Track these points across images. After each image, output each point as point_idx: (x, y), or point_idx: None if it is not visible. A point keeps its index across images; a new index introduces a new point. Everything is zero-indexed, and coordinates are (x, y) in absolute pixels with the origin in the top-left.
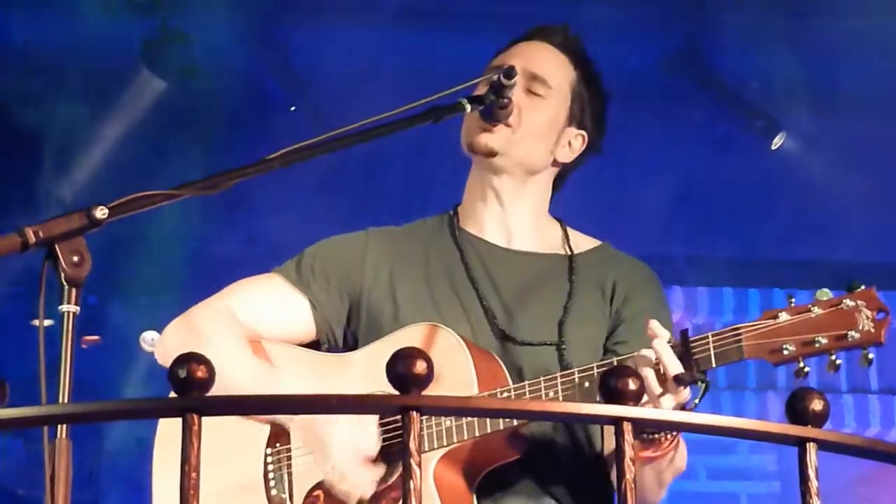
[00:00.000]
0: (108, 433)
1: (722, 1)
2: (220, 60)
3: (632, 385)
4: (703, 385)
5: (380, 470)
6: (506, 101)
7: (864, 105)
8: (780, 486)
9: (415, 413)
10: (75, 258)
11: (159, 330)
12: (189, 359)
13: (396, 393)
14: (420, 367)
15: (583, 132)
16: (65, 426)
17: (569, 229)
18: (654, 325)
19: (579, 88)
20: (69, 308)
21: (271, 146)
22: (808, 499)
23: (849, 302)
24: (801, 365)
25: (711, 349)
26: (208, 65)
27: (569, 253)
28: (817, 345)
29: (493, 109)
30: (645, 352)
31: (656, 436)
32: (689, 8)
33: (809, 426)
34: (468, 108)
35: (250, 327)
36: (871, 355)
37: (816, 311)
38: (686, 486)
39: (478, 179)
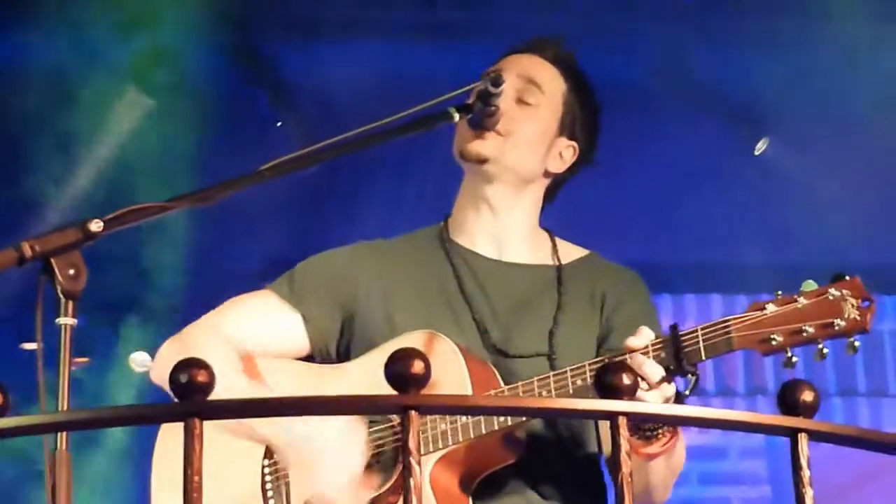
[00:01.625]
0: None
1: (703, 8)
2: (208, 77)
3: (626, 380)
4: (693, 378)
5: (371, 483)
6: (493, 108)
7: (847, 109)
8: (770, 490)
9: (413, 412)
10: (71, 271)
11: (149, 351)
12: (190, 364)
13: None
14: (417, 366)
15: (574, 143)
16: (65, 438)
17: (557, 240)
18: (632, 341)
19: (570, 100)
20: (67, 321)
21: (260, 161)
22: (801, 488)
23: (834, 291)
24: (790, 355)
25: (701, 342)
26: (196, 82)
27: (557, 264)
28: (804, 334)
29: (481, 117)
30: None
31: (658, 432)
32: (670, 16)
33: (801, 417)
34: (456, 116)
35: (243, 344)
36: (857, 343)
37: (802, 301)
38: (678, 491)
39: (470, 189)
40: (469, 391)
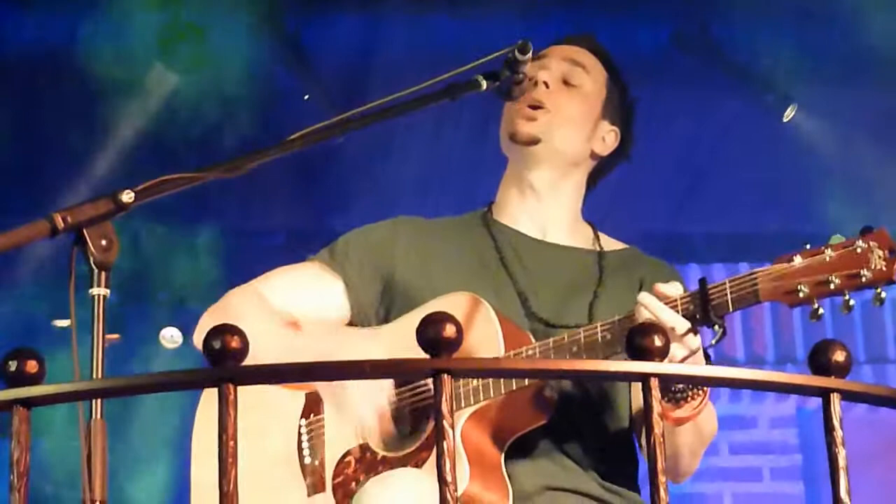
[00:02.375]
0: None
1: None
2: (233, 52)
3: (658, 342)
4: (720, 330)
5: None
6: (521, 76)
7: (874, 74)
8: (801, 458)
9: (446, 375)
10: (104, 242)
11: (179, 327)
12: (223, 330)
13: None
14: (450, 330)
15: (615, 128)
16: (100, 407)
17: (599, 232)
18: (662, 287)
19: (611, 87)
20: (100, 291)
21: (288, 133)
22: (834, 448)
23: (861, 243)
24: (816, 306)
25: (728, 294)
26: (221, 57)
27: (598, 250)
28: (831, 285)
29: (509, 86)
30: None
31: (688, 393)
32: None
33: (832, 377)
34: (484, 84)
35: (285, 310)
36: (883, 294)
37: (829, 253)
38: (708, 461)
39: (514, 174)
40: (501, 353)
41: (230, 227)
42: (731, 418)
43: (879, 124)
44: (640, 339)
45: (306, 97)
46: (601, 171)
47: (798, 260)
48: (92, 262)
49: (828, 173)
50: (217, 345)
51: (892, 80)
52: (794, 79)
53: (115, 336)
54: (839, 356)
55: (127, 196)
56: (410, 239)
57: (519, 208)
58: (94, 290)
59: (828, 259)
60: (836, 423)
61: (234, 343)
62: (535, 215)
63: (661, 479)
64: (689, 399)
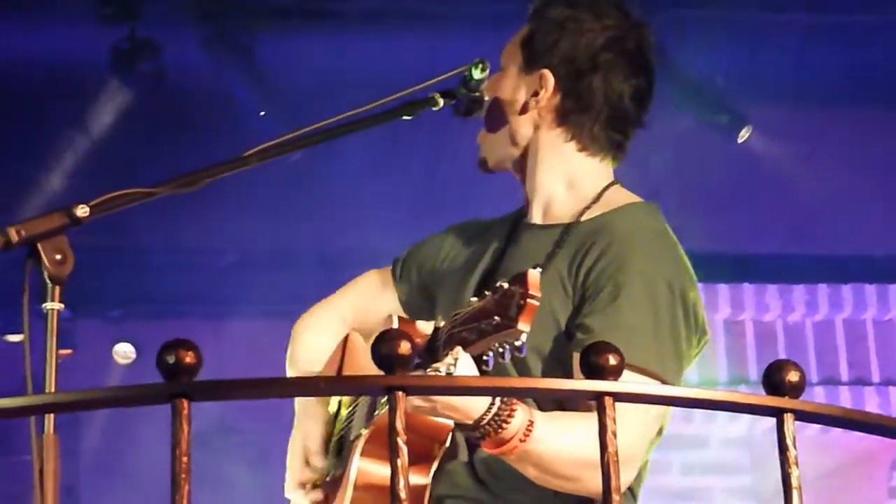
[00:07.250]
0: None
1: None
2: (188, 68)
3: (612, 360)
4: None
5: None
6: (477, 94)
7: (828, 97)
8: (751, 479)
9: (400, 393)
10: (58, 256)
11: (132, 342)
12: (177, 345)
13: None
14: (404, 347)
15: (543, 70)
16: (52, 422)
17: (608, 192)
18: None
19: (529, 32)
20: (54, 306)
21: (242, 151)
22: (787, 468)
23: (511, 288)
24: (495, 351)
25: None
26: (176, 73)
27: (570, 221)
28: (481, 333)
29: (467, 103)
30: None
31: (489, 429)
32: (651, 4)
33: (786, 397)
34: (441, 101)
35: (351, 318)
36: (518, 343)
37: (491, 298)
38: (659, 480)
39: None
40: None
41: (183, 244)
42: (683, 437)
43: (833, 146)
44: (594, 358)
45: (262, 113)
46: (616, 120)
47: (473, 301)
48: (46, 276)
49: (781, 194)
50: (171, 360)
51: (844, 103)
52: (749, 99)
53: (68, 351)
54: (793, 376)
55: (81, 210)
56: (453, 241)
57: (529, 200)
58: (49, 305)
59: (486, 305)
60: (789, 443)
61: (189, 358)
62: (532, 200)
63: (615, 497)
64: (493, 433)
